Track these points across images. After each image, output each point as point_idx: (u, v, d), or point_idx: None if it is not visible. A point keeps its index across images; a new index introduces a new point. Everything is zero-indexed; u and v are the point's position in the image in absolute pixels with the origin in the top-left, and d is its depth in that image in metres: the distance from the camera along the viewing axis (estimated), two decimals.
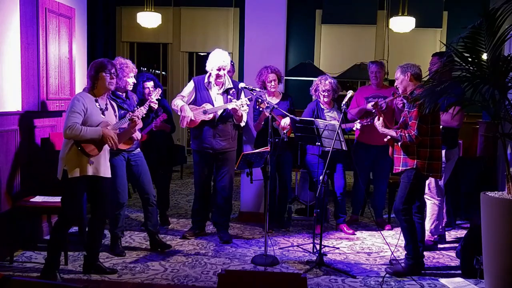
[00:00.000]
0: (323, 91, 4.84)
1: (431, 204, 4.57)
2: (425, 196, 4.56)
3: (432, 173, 3.92)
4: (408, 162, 3.88)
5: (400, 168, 3.94)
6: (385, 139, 4.04)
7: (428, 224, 4.57)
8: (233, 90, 4.67)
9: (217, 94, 4.64)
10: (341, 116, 4.33)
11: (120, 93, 4.28)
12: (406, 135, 3.77)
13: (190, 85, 4.70)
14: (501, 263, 3.37)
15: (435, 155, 3.88)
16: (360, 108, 5.13)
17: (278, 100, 5.01)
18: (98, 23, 8.18)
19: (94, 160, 3.67)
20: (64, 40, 4.82)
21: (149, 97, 4.29)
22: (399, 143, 3.88)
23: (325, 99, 4.88)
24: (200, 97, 4.62)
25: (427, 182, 4.50)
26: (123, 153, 4.25)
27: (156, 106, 4.34)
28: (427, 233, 4.56)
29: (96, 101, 3.70)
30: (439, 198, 4.54)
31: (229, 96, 4.62)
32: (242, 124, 4.72)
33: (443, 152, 4.47)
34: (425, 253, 4.51)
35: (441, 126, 4.40)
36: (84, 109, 3.59)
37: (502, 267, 3.37)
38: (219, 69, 4.52)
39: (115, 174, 4.17)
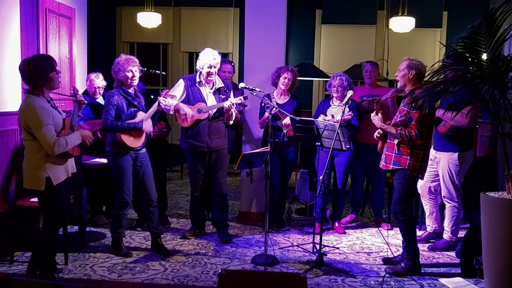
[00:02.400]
0: (333, 86, 4.93)
1: (451, 207, 4.54)
2: (444, 199, 4.56)
3: (421, 174, 3.94)
4: (400, 161, 3.87)
5: (391, 166, 3.92)
6: (377, 134, 4.03)
7: (449, 226, 4.57)
8: (225, 89, 4.69)
9: (209, 93, 4.65)
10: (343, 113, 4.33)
11: (129, 91, 4.26)
12: (407, 134, 3.75)
13: (181, 85, 4.66)
14: (501, 263, 3.37)
15: (426, 157, 3.91)
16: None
17: (287, 99, 5.04)
18: (98, 23, 8.19)
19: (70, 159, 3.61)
20: (64, 40, 4.83)
21: (158, 98, 4.31)
22: (396, 141, 3.88)
23: (335, 94, 4.97)
24: (193, 96, 4.61)
25: (444, 185, 4.52)
26: (130, 153, 4.23)
27: (163, 106, 4.33)
28: (449, 234, 4.58)
29: (49, 102, 3.45)
30: (457, 200, 4.53)
31: (221, 95, 4.64)
32: (230, 123, 4.76)
33: (456, 155, 4.43)
34: (425, 253, 4.53)
35: (451, 125, 4.37)
36: (52, 117, 3.36)
37: (502, 267, 3.37)
38: (210, 67, 4.53)
39: (122, 174, 4.20)
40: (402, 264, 3.99)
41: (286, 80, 4.91)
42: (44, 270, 3.61)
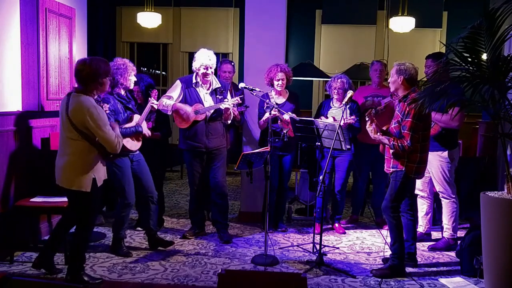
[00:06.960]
0: (334, 88, 4.91)
1: (449, 203, 4.56)
2: (441, 196, 4.57)
3: (418, 175, 3.97)
4: (398, 164, 3.90)
5: (390, 169, 3.97)
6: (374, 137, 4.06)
7: (450, 223, 4.58)
8: (222, 89, 4.69)
9: (206, 93, 4.65)
10: (347, 115, 4.32)
11: (122, 94, 4.28)
12: (399, 145, 3.78)
13: (177, 86, 4.68)
14: (501, 263, 3.37)
15: (423, 159, 3.92)
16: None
17: (284, 100, 4.98)
18: (98, 23, 8.18)
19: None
20: (64, 40, 4.83)
21: (149, 99, 4.34)
22: (391, 151, 3.91)
23: (335, 96, 4.94)
24: (190, 97, 4.61)
25: (438, 183, 4.53)
26: (128, 155, 4.25)
27: (156, 107, 4.38)
28: (450, 231, 4.59)
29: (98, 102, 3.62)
30: (454, 196, 4.55)
31: (218, 96, 4.64)
32: (228, 122, 4.77)
33: (446, 153, 4.48)
34: (425, 253, 4.53)
35: (441, 128, 4.42)
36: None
37: (502, 267, 3.38)
38: (205, 68, 4.54)
39: (123, 176, 4.21)
40: (388, 264, 3.98)
41: (280, 82, 4.85)
42: (74, 271, 3.61)
